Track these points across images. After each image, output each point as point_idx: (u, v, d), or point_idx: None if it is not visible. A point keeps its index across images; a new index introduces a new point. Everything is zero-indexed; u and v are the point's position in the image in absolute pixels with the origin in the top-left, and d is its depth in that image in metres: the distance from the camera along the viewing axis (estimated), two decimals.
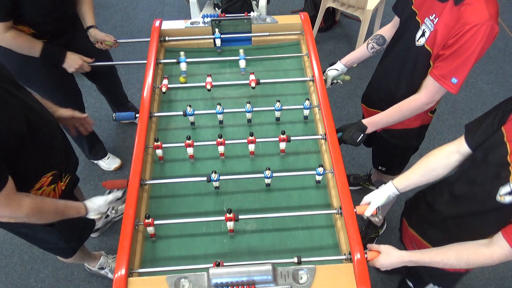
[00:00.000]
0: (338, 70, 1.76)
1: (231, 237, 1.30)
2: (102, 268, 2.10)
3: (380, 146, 1.83)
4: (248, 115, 1.57)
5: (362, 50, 1.72)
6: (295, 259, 1.15)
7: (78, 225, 1.61)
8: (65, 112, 1.54)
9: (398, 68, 1.49)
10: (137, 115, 1.53)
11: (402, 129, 1.62)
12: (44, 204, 1.24)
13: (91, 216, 1.39)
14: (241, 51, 1.72)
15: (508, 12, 3.73)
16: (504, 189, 1.02)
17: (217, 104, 1.52)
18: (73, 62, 1.86)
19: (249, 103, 1.54)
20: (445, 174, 1.24)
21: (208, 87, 1.59)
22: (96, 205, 1.39)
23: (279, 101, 1.53)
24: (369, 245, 1.21)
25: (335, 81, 1.80)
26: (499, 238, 1.03)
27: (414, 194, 1.51)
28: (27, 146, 1.21)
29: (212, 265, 1.13)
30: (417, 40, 1.35)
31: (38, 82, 1.94)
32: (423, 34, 1.33)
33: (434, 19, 1.28)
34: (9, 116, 1.13)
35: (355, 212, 1.24)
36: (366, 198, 1.30)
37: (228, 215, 1.23)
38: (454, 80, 1.27)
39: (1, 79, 1.15)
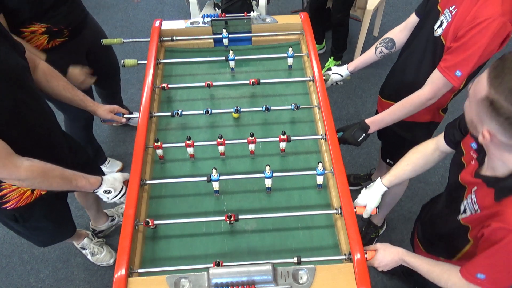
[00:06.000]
0: (342, 76, 1.75)
1: (232, 236, 1.31)
2: (83, 248, 2.14)
3: (388, 138, 1.82)
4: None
5: (369, 55, 1.68)
6: (295, 259, 1.15)
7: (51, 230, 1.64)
8: (105, 113, 1.56)
9: (416, 60, 1.45)
10: (125, 115, 1.59)
11: (411, 122, 1.58)
12: (46, 167, 1.23)
13: (104, 187, 1.37)
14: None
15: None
16: None
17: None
18: (74, 77, 1.75)
19: (238, 109, 1.54)
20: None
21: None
22: (112, 177, 1.40)
23: (267, 108, 1.53)
24: (365, 247, 1.21)
25: (335, 83, 1.79)
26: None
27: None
28: (19, 140, 1.21)
29: (212, 265, 1.13)
30: (435, 30, 1.32)
31: None
32: (440, 25, 1.30)
33: (453, 11, 1.26)
34: None
35: (355, 212, 1.25)
36: (360, 201, 1.33)
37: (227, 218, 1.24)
38: (458, 73, 1.25)
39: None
